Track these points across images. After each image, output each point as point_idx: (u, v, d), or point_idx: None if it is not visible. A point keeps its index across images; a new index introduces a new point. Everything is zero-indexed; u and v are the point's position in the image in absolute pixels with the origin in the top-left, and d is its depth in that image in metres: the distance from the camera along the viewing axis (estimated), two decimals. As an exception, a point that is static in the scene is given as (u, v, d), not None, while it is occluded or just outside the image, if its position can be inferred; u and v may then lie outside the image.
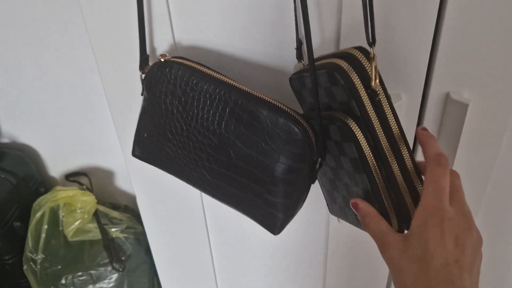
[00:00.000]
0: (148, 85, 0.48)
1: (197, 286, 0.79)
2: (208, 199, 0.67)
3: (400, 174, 0.43)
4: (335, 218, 0.62)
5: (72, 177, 1.23)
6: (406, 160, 0.43)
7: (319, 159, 0.45)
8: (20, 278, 1.15)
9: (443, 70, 0.52)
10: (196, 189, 0.50)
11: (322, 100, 0.46)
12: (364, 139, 0.42)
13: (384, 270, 0.71)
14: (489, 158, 0.57)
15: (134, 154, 0.52)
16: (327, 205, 0.54)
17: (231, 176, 0.46)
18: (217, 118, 0.46)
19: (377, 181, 0.43)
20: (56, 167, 1.26)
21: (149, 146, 0.50)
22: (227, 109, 0.45)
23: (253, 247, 0.72)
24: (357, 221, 0.47)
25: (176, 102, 0.47)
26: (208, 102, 0.46)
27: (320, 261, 0.71)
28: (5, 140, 1.21)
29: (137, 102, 0.56)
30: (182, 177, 0.50)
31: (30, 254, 1.10)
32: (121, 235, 1.12)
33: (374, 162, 0.42)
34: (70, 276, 1.09)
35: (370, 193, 0.43)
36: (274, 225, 0.47)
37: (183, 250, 0.74)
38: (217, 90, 0.45)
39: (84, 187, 1.18)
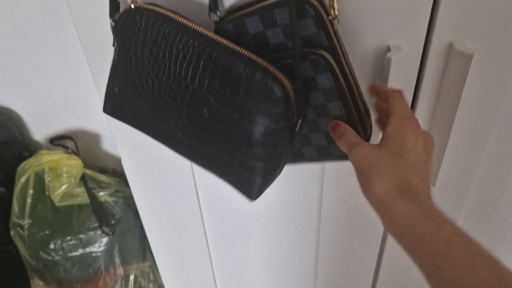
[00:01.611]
0: (118, 35, 0.44)
1: (188, 247, 0.78)
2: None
3: (360, 98, 0.46)
4: (329, 175, 0.60)
5: (57, 141, 1.19)
6: (358, 86, 0.47)
7: (299, 121, 0.43)
8: (8, 244, 1.14)
9: (446, 19, 0.49)
10: (170, 149, 0.47)
11: (274, 42, 0.43)
12: (337, 67, 0.43)
13: (379, 226, 0.70)
14: (491, 110, 0.55)
15: (105, 110, 0.49)
16: None
17: (205, 135, 0.43)
18: (190, 72, 0.42)
19: (350, 105, 0.45)
20: (39, 131, 1.21)
21: (120, 102, 0.47)
22: (201, 63, 0.41)
23: (245, 206, 0.70)
24: (318, 154, 0.49)
25: (147, 53, 0.43)
26: (180, 54, 0.42)
27: (313, 218, 0.70)
28: (-16, 103, 1.15)
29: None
30: (155, 136, 0.47)
31: (17, 220, 1.07)
32: (109, 199, 1.09)
33: (346, 88, 0.44)
34: (59, 241, 1.07)
35: (344, 118, 0.46)
36: (250, 191, 0.44)
37: (171, 211, 0.72)
38: (191, 41, 0.41)
39: (70, 150, 1.15)
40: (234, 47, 0.42)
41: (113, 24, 0.45)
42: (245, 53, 0.41)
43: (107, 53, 0.52)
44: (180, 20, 0.42)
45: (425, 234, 0.37)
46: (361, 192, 0.42)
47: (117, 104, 0.47)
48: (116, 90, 0.46)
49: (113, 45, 0.46)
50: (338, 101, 0.45)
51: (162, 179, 0.67)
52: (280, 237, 0.74)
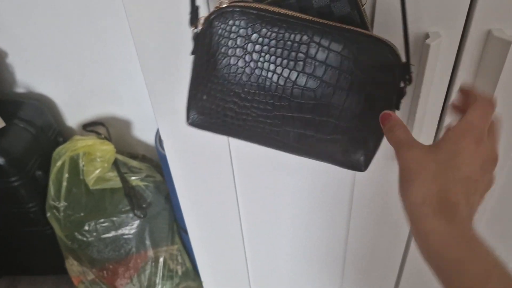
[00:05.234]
0: (208, 38, 0.44)
1: (223, 230, 0.81)
2: (235, 144, 0.66)
3: None
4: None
5: (90, 127, 1.23)
6: None
7: (405, 85, 0.44)
8: (44, 225, 1.19)
9: (485, 6, 0.50)
10: (265, 145, 0.47)
11: (338, 14, 0.45)
12: None
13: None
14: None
15: (189, 121, 0.46)
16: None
17: (310, 119, 0.45)
18: (296, 60, 0.43)
19: None
20: (73, 117, 1.26)
21: (209, 109, 0.46)
22: (307, 48, 0.43)
23: (279, 193, 0.72)
24: None
25: (246, 50, 0.44)
26: (284, 44, 0.43)
27: (345, 201, 0.72)
28: (20, 90, 1.20)
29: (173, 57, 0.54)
30: (248, 136, 0.47)
31: (53, 202, 1.12)
32: (141, 183, 1.13)
33: None
34: (93, 223, 1.11)
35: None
36: (360, 163, 0.47)
37: (209, 194, 0.75)
38: (292, 30, 0.43)
39: (103, 136, 1.19)
40: (339, 25, 0.43)
41: (195, 30, 0.45)
42: (351, 28, 0.43)
43: (162, 57, 0.55)
44: (275, 10, 0.43)
45: (457, 260, 0.34)
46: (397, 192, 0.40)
47: (205, 110, 0.47)
48: (205, 97, 0.46)
49: (192, 53, 0.46)
50: None
51: (202, 163, 0.70)
52: (313, 218, 0.77)
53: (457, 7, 0.50)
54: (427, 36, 0.52)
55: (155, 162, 1.28)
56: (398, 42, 0.52)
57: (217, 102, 0.46)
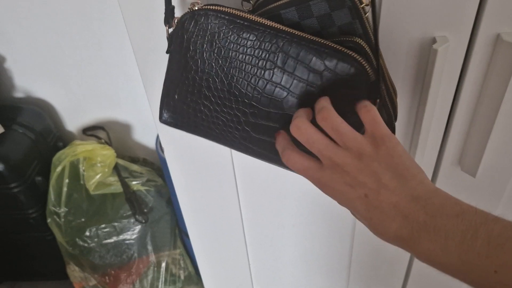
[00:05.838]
0: (179, 39, 0.44)
1: (225, 235, 0.80)
2: (237, 152, 0.65)
3: (389, 80, 0.47)
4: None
5: (90, 131, 1.22)
6: (386, 68, 0.47)
7: (377, 100, 0.43)
8: (44, 231, 1.18)
9: (494, 9, 0.48)
10: (237, 150, 0.47)
11: (339, 23, 0.44)
12: (371, 52, 0.43)
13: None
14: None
15: (162, 119, 0.48)
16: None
17: (282, 129, 0.44)
18: (265, 68, 0.42)
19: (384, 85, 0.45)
20: (72, 122, 1.24)
21: (180, 109, 0.46)
22: (276, 58, 0.42)
23: (281, 198, 0.71)
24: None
25: (215, 55, 0.43)
26: (253, 52, 0.42)
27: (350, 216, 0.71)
28: (19, 95, 1.19)
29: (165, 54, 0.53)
30: (220, 139, 0.46)
31: (53, 208, 1.11)
32: (142, 188, 1.12)
33: (380, 71, 0.44)
34: (94, 228, 1.10)
35: (382, 107, 0.46)
36: None
37: (211, 200, 0.74)
38: (263, 38, 0.42)
39: (103, 141, 1.17)
40: (309, 37, 0.42)
41: (169, 30, 0.44)
42: (322, 41, 0.42)
43: (157, 49, 0.54)
44: (249, 17, 0.42)
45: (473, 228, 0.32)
46: None
47: (177, 111, 0.46)
48: (177, 96, 0.46)
49: (167, 52, 0.45)
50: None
51: (203, 169, 0.69)
52: (317, 228, 0.76)
53: (465, 10, 0.49)
54: (434, 40, 0.50)
55: (156, 165, 1.27)
56: (403, 48, 0.51)
57: (188, 103, 0.46)
